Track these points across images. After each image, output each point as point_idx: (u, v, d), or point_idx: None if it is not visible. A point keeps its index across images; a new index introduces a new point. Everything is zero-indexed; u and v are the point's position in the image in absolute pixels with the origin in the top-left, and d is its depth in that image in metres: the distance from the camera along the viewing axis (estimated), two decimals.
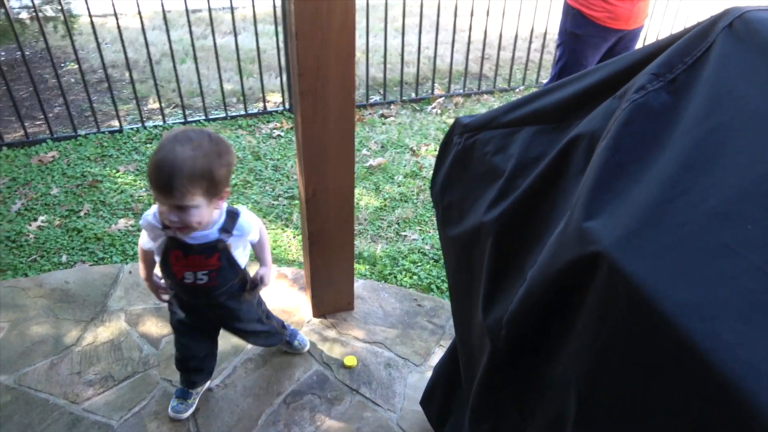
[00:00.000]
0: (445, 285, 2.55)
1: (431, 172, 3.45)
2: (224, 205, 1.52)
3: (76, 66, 4.90)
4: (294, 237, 2.87)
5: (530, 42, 4.64)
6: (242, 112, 4.04)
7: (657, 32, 5.00)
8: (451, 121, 4.13)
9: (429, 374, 1.98)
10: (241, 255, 1.62)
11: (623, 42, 3.05)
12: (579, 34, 2.98)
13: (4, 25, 4.28)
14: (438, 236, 2.89)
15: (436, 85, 4.54)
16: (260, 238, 1.67)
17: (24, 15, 4.80)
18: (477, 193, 1.21)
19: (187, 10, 3.61)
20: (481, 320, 1.09)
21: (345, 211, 1.94)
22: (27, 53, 5.13)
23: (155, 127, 3.84)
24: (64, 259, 2.67)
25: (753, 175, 0.68)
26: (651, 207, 0.74)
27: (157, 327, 2.16)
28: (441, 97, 4.42)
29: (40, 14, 4.59)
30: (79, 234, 2.84)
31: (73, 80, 4.66)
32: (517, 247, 1.03)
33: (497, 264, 1.07)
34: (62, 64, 4.96)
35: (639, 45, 3.21)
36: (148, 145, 3.67)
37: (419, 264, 2.69)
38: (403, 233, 2.93)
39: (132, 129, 3.80)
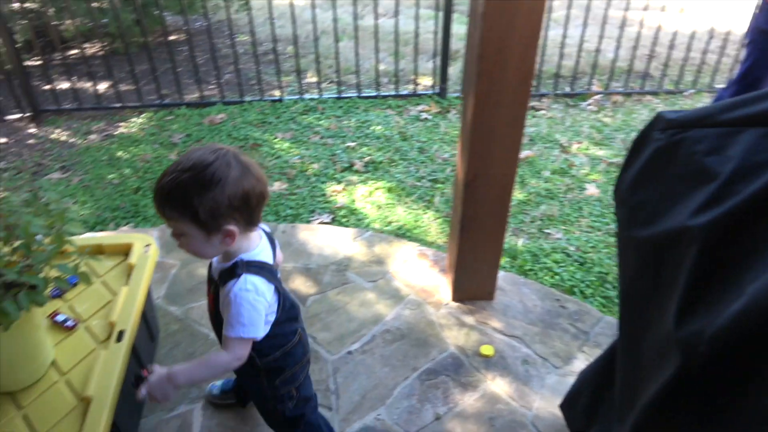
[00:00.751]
0: (590, 290, 2.42)
1: (581, 170, 3.29)
2: (242, 246, 1.18)
3: (246, 38, 5.29)
4: (434, 220, 2.87)
5: (708, 42, 4.22)
6: (393, 93, 4.11)
7: None
8: (607, 119, 3.89)
9: (570, 378, 1.90)
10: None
11: None
12: None
13: None
14: (585, 239, 2.76)
15: (594, 80, 4.29)
16: (227, 321, 1.16)
17: None
18: (679, 194, 1.11)
19: None
20: (671, 330, 1.00)
21: (502, 199, 1.90)
22: (204, 24, 5.63)
23: (312, 99, 4.03)
24: None
25: None
26: None
27: (306, 286, 2.28)
28: (598, 93, 4.18)
29: None
30: None
31: (242, 50, 5.03)
32: (731, 259, 0.93)
33: (703, 273, 0.97)
34: (233, 36, 5.37)
35: None
36: (304, 116, 3.87)
37: (562, 264, 2.58)
38: (547, 231, 2.82)
39: (290, 99, 4.03)
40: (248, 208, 1.12)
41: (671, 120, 1.21)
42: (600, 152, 3.50)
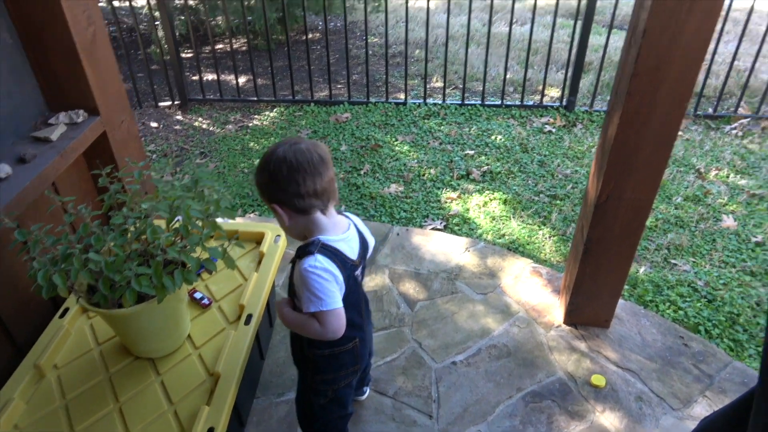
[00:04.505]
0: (717, 330, 2.25)
1: (718, 199, 3.04)
2: (318, 227, 1.25)
3: (378, 39, 5.45)
4: (549, 237, 2.80)
5: None
6: (517, 102, 4.04)
7: None
8: (753, 146, 3.56)
9: (689, 423, 1.78)
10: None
11: None
12: None
13: None
14: (717, 274, 2.55)
15: (742, 102, 3.94)
16: (304, 298, 1.21)
17: None
18: None
19: None
20: None
21: (635, 224, 1.81)
22: (338, 25, 5.87)
23: (435, 104, 4.07)
24: (342, 208, 3.02)
25: None
26: None
27: (415, 290, 2.33)
28: (746, 117, 3.82)
29: None
30: (357, 190, 3.19)
31: (371, 52, 5.19)
32: None
33: None
34: (366, 37, 5.55)
35: None
36: (426, 120, 3.92)
37: (688, 299, 2.40)
38: (673, 261, 2.65)
39: (414, 103, 4.09)
40: (286, 194, 1.19)
41: None
42: (742, 181, 3.21)
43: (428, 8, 3.89)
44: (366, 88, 4.11)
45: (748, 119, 3.81)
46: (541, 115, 3.95)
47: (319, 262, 1.18)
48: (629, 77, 1.54)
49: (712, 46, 3.84)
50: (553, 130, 3.77)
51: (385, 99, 4.13)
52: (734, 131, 3.72)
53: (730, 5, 3.59)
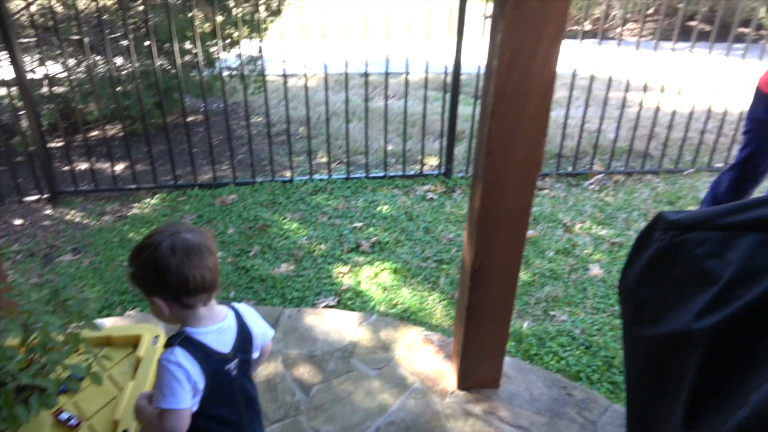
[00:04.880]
0: (596, 375, 2.40)
1: (585, 250, 3.32)
2: (193, 318, 1.24)
3: (260, 119, 5.52)
4: (439, 301, 2.89)
5: (705, 122, 4.35)
6: (400, 173, 4.23)
7: None
8: (609, 198, 3.97)
9: None
10: None
11: None
12: None
13: (213, 82, 4.97)
14: (591, 320, 2.75)
15: (595, 160, 4.41)
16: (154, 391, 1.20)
17: (224, 73, 5.54)
18: (682, 295, 1.14)
19: (366, 73, 3.93)
20: None
21: (507, 286, 1.93)
22: (219, 106, 5.89)
23: (321, 180, 4.16)
24: (232, 294, 2.94)
25: None
26: None
27: (310, 374, 2.28)
28: (600, 173, 4.27)
29: (234, 73, 5.27)
30: (247, 273, 3.12)
31: (255, 131, 5.23)
32: (734, 364, 0.95)
33: (707, 379, 0.99)
34: (248, 117, 5.60)
35: None
36: (314, 196, 3.97)
37: (568, 348, 2.56)
38: (552, 312, 2.83)
39: (300, 180, 4.15)
40: (174, 290, 1.18)
41: (673, 221, 1.26)
42: (603, 232, 3.54)
43: (306, 87, 4.03)
44: (251, 167, 4.12)
45: (602, 174, 4.26)
46: (423, 184, 4.16)
47: (174, 355, 1.15)
48: (485, 154, 1.68)
49: (563, 111, 4.31)
50: (435, 197, 3.97)
51: (271, 178, 4.15)
52: (592, 186, 4.13)
53: (574, 74, 4.06)
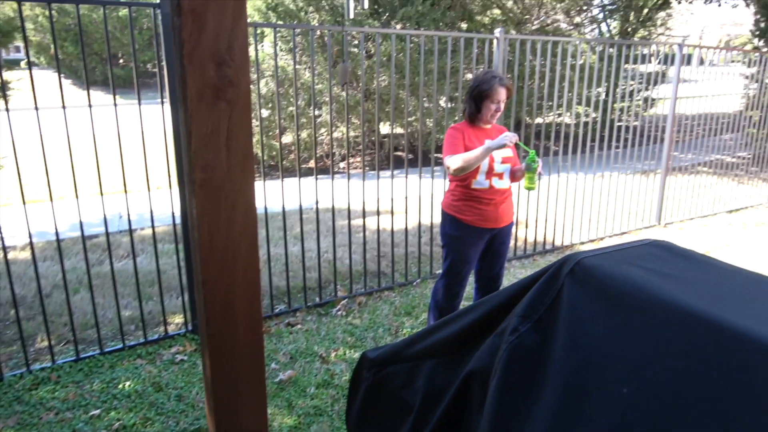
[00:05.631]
0: None
1: (343, 378, 3.43)
2: None
3: None
4: None
5: (419, 236, 5.06)
6: (141, 340, 3.88)
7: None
8: (356, 321, 4.23)
9: None
10: None
11: (499, 237, 3.43)
12: (458, 235, 3.34)
13: None
14: None
15: (338, 287, 4.70)
16: None
17: None
18: (392, 428, 1.24)
19: (83, 235, 3.61)
20: None
21: None
22: None
23: (42, 369, 3.55)
24: None
25: (616, 410, 0.79)
26: None
27: None
28: (344, 298, 4.56)
29: None
30: None
31: None
32: None
33: None
34: None
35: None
36: (33, 392, 3.35)
37: None
38: None
39: (14, 375, 3.48)
40: None
41: (373, 359, 1.39)
42: (356, 355, 3.72)
43: (6, 261, 3.51)
44: None
45: (346, 299, 4.55)
46: (170, 346, 3.87)
47: None
48: (206, 323, 1.66)
49: (298, 246, 4.56)
50: (185, 358, 3.71)
51: None
52: (339, 312, 4.37)
53: (300, 209, 4.38)
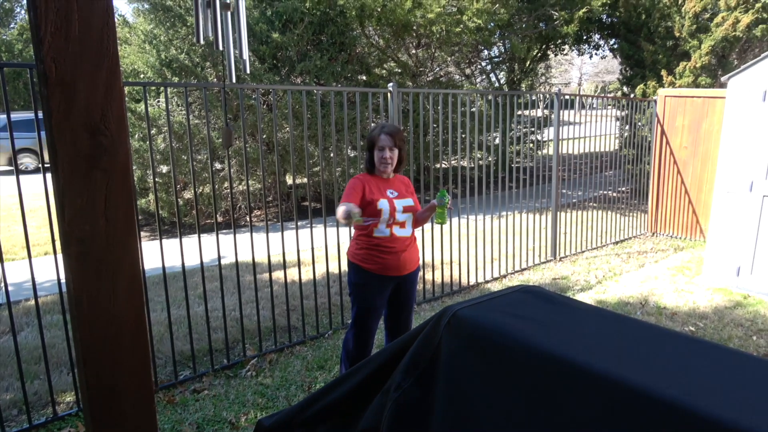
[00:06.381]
0: None
1: None
2: None
3: None
4: None
5: (328, 287, 5.03)
6: (26, 425, 3.50)
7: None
8: (267, 380, 4.09)
9: None
10: None
11: (404, 284, 3.50)
12: (362, 283, 3.37)
13: None
14: None
15: (247, 346, 4.54)
16: None
17: None
18: None
19: None
20: None
21: None
22: None
23: None
24: None
25: None
26: None
27: None
28: (254, 357, 4.41)
29: None
30: None
31: None
32: None
33: None
34: None
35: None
36: None
37: None
38: None
39: None
40: None
41: (268, 427, 1.36)
42: None
43: None
44: None
45: (256, 358, 4.40)
46: (59, 429, 3.52)
47: None
48: (88, 401, 1.55)
49: (202, 307, 4.38)
50: None
51: None
52: (249, 373, 4.20)
53: (202, 264, 4.22)
